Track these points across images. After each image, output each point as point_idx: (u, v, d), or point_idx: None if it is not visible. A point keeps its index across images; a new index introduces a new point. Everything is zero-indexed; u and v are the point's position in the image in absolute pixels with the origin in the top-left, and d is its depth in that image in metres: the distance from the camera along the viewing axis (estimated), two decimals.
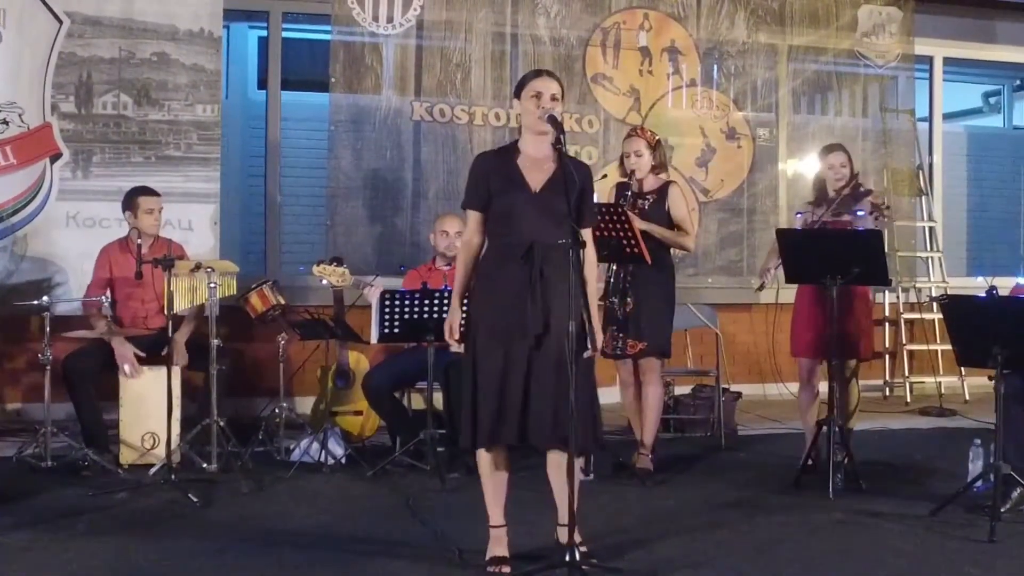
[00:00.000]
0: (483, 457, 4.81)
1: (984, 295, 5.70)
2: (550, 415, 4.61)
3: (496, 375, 4.66)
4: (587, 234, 4.84)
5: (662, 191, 6.73)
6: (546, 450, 4.80)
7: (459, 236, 6.91)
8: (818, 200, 6.83)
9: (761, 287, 6.85)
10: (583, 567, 4.56)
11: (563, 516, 4.76)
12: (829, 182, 6.79)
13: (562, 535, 4.75)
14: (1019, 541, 5.35)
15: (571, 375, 4.42)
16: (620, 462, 6.67)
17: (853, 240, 6.39)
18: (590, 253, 4.85)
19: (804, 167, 9.82)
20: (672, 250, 6.84)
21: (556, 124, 4.66)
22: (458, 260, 4.91)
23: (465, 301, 4.92)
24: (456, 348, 4.83)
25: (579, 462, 4.67)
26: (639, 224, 6.45)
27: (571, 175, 4.59)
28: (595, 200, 6.75)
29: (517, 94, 4.85)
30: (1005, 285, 7.15)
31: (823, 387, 6.69)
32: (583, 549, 4.67)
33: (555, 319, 4.63)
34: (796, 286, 6.81)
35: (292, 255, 9.41)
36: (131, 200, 7.02)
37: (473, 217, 4.85)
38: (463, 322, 4.86)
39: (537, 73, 4.92)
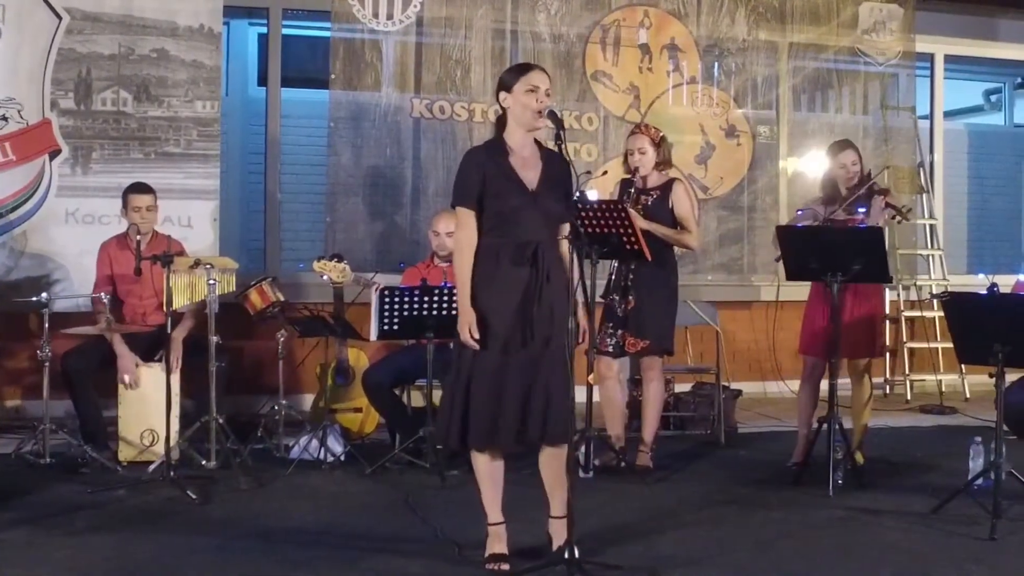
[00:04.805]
0: (479, 456, 4.80)
1: (985, 292, 5.69)
2: (552, 412, 4.62)
3: (496, 377, 4.64)
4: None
5: (666, 188, 6.73)
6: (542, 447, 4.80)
7: (450, 236, 6.91)
8: (828, 198, 6.81)
9: (779, 258, 6.77)
10: (584, 565, 4.55)
11: (555, 510, 4.81)
12: (840, 180, 6.77)
13: (552, 529, 4.82)
14: (1020, 538, 5.34)
15: (569, 373, 4.45)
16: (620, 459, 6.66)
17: (854, 237, 6.38)
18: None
19: (804, 164, 9.82)
20: (675, 247, 6.82)
21: (557, 120, 4.65)
22: (461, 261, 4.77)
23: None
24: (475, 346, 4.74)
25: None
26: (641, 223, 6.45)
27: (567, 174, 4.62)
28: (596, 196, 6.84)
29: (507, 87, 4.75)
30: (1006, 283, 7.15)
31: (823, 385, 6.72)
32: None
33: (556, 318, 4.64)
34: (808, 285, 6.81)
35: (292, 252, 9.41)
36: (124, 197, 7.01)
37: (468, 215, 4.74)
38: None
39: (529, 67, 4.90)
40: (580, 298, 4.61)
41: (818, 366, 6.79)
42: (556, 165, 4.72)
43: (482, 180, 4.72)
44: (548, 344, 4.64)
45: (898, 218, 6.57)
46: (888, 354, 10.10)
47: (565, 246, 4.71)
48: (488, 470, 4.82)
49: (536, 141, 4.82)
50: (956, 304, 5.84)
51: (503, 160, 4.75)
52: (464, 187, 4.76)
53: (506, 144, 4.80)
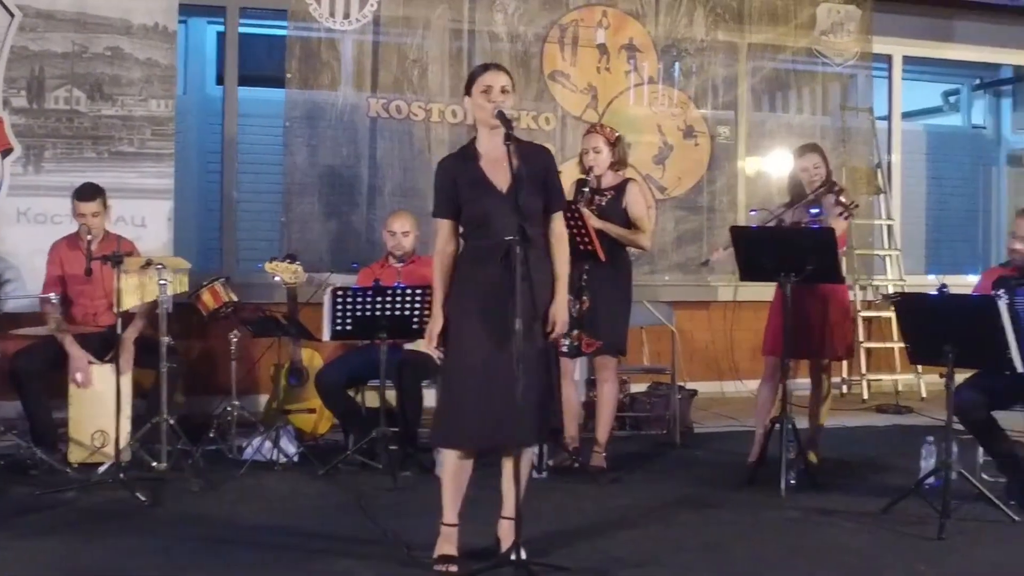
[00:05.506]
0: (451, 456, 4.79)
1: (935, 293, 5.72)
2: (533, 412, 4.59)
3: (474, 377, 4.64)
4: (558, 218, 4.87)
5: (620, 188, 6.73)
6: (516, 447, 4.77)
7: (406, 236, 7.01)
8: (794, 201, 6.85)
9: (706, 263, 6.85)
10: (531, 567, 4.54)
11: (508, 510, 4.77)
12: (804, 183, 6.82)
13: (502, 530, 4.82)
14: (967, 538, 5.38)
15: (518, 372, 4.41)
16: (574, 459, 6.65)
17: (806, 237, 6.41)
18: (562, 238, 4.87)
19: (763, 165, 9.86)
20: (629, 248, 6.83)
21: (505, 120, 4.63)
22: (434, 269, 4.82)
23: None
24: (437, 355, 4.77)
25: (532, 457, 4.66)
26: (594, 222, 6.45)
27: (521, 175, 4.61)
28: None
29: (467, 90, 4.81)
30: (961, 283, 7.17)
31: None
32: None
33: (536, 316, 4.63)
34: (766, 285, 6.82)
35: (250, 252, 9.33)
36: (72, 199, 6.94)
37: (445, 225, 4.80)
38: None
39: (485, 67, 4.89)
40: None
41: (780, 367, 6.81)
42: (530, 159, 4.72)
43: (454, 188, 4.76)
44: (529, 342, 4.57)
45: (845, 214, 6.58)
46: None
47: (560, 237, 4.83)
48: (455, 470, 4.80)
49: (505, 144, 4.78)
50: (907, 305, 5.89)
51: (473, 165, 4.78)
52: (438, 198, 4.83)
53: (476, 148, 4.82)
